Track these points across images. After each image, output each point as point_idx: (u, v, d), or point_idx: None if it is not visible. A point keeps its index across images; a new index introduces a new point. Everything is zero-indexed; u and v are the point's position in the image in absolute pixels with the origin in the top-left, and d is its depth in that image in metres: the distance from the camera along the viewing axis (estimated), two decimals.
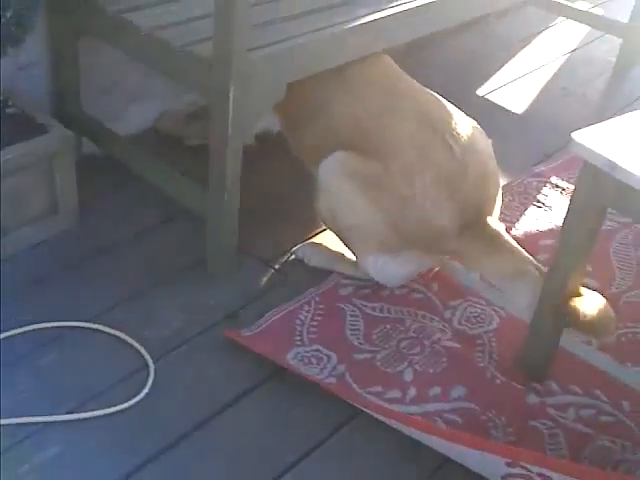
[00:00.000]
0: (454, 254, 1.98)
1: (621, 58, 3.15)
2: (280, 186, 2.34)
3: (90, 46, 2.12)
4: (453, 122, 1.94)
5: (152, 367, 1.76)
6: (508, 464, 1.50)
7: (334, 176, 1.91)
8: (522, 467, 1.49)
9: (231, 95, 1.71)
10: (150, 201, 2.18)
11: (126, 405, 1.67)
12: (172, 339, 1.84)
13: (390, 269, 1.95)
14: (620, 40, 3.15)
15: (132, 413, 1.67)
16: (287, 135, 2.14)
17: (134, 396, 1.69)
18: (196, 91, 1.89)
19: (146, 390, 1.71)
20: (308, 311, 1.94)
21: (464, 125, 1.95)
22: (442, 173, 1.87)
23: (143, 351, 1.79)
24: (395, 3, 2.07)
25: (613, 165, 1.45)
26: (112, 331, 1.82)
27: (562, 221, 1.63)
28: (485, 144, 1.98)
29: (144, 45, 1.88)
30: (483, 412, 1.73)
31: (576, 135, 1.52)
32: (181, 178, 2.03)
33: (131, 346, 1.80)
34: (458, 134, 1.92)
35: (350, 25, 1.95)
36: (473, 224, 1.90)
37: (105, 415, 1.65)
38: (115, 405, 1.67)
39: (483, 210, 1.93)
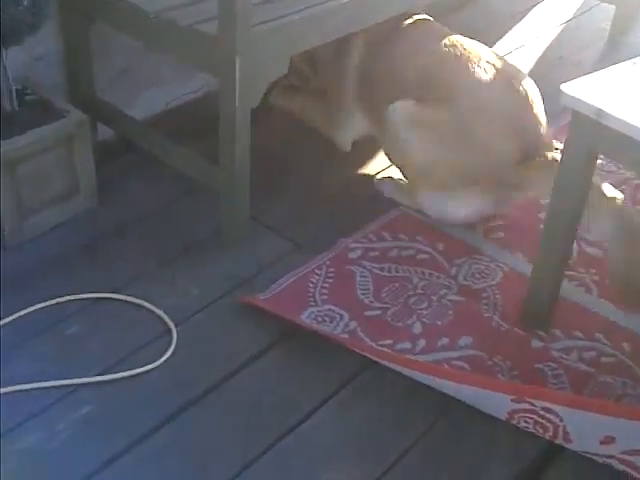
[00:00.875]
0: (517, 188, 2.12)
1: (615, 25, 3.23)
2: (291, 156, 2.45)
3: (103, 32, 2.22)
4: (506, 64, 2.21)
5: (174, 331, 1.86)
6: (513, 400, 1.59)
7: (399, 120, 2.13)
8: (527, 402, 1.58)
9: (237, 69, 1.80)
10: (166, 179, 2.28)
11: (152, 366, 1.77)
12: (192, 306, 1.94)
13: (447, 206, 2.15)
14: (613, 7, 3.22)
15: (158, 373, 1.77)
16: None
17: (159, 358, 1.79)
18: (204, 68, 1.98)
19: (170, 352, 1.81)
20: (320, 274, 2.04)
21: (514, 67, 2.23)
22: (505, 108, 2.09)
23: (165, 317, 1.89)
24: None
25: (600, 112, 1.54)
26: (135, 300, 1.92)
27: (557, 170, 1.72)
28: (532, 82, 2.21)
29: (153, 28, 1.97)
30: (489, 358, 1.82)
31: (565, 87, 1.60)
32: (193, 155, 2.13)
33: (153, 313, 1.90)
34: (515, 73, 2.17)
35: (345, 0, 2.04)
36: (534, 156, 2.07)
37: (133, 376, 1.75)
38: (142, 366, 1.77)
39: (542, 142, 2.11)
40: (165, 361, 1.79)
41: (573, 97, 1.57)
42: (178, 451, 1.63)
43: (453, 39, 2.23)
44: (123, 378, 1.75)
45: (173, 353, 1.81)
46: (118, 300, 1.93)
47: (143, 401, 1.71)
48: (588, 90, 1.59)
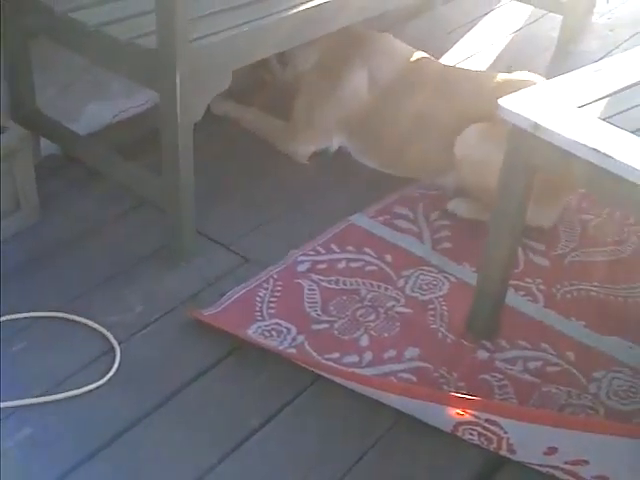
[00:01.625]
0: None
1: (563, 34, 3.27)
2: (238, 169, 2.43)
3: (45, 47, 2.18)
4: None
5: (118, 350, 1.83)
6: (457, 413, 1.60)
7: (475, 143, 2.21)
8: (471, 415, 1.59)
9: (177, 84, 1.79)
10: (111, 194, 2.25)
11: (94, 386, 1.74)
12: (136, 323, 1.91)
13: None
14: (561, 17, 3.26)
15: (102, 392, 1.74)
16: None
17: (102, 377, 1.76)
18: (145, 83, 1.96)
19: (113, 371, 1.78)
20: (267, 288, 2.03)
21: None
22: None
23: (109, 335, 1.86)
24: None
25: (537, 126, 1.55)
26: (78, 318, 1.89)
27: (498, 183, 1.73)
28: None
29: (92, 42, 1.95)
30: (435, 370, 1.82)
31: (502, 101, 1.61)
32: (137, 169, 2.10)
33: (97, 331, 1.87)
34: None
35: (288, 13, 2.04)
36: None
37: (75, 396, 1.72)
38: (84, 386, 1.74)
39: None
40: (108, 380, 1.77)
41: (510, 111, 1.59)
42: (126, 470, 1.60)
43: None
44: (65, 399, 1.72)
45: (117, 371, 1.78)
46: (60, 318, 1.90)
47: (86, 421, 1.69)
48: (525, 104, 1.60)
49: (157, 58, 1.80)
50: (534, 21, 3.53)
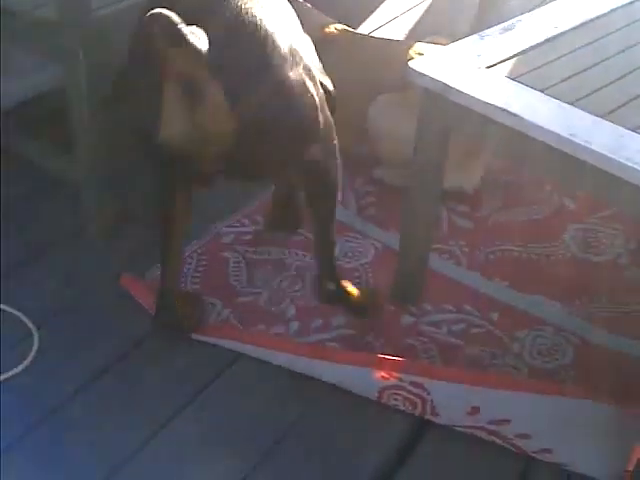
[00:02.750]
0: None
1: None
2: None
3: None
4: None
5: (36, 334, 1.78)
6: (382, 377, 1.60)
7: None
8: (395, 378, 1.59)
9: (81, 55, 1.72)
10: (21, 173, 2.17)
11: (12, 373, 1.70)
12: (53, 306, 1.86)
13: None
14: None
15: (19, 379, 1.70)
16: None
17: (19, 363, 1.72)
18: (48, 56, 1.88)
19: (31, 357, 1.74)
20: (190, 263, 1.99)
21: None
22: None
23: (25, 319, 1.81)
24: None
25: (446, 87, 1.53)
26: None
27: (413, 147, 1.71)
28: None
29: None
30: (362, 337, 1.81)
31: (413, 63, 1.59)
32: (49, 148, 2.04)
33: (13, 316, 1.82)
34: None
35: None
36: None
37: None
38: (2, 374, 1.69)
39: None
40: (27, 366, 1.72)
41: (420, 73, 1.57)
42: (47, 458, 1.57)
43: None
44: None
45: (34, 358, 1.74)
46: None
47: (5, 410, 1.63)
48: (435, 66, 1.58)
49: (59, 30, 1.73)
50: None
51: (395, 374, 1.60)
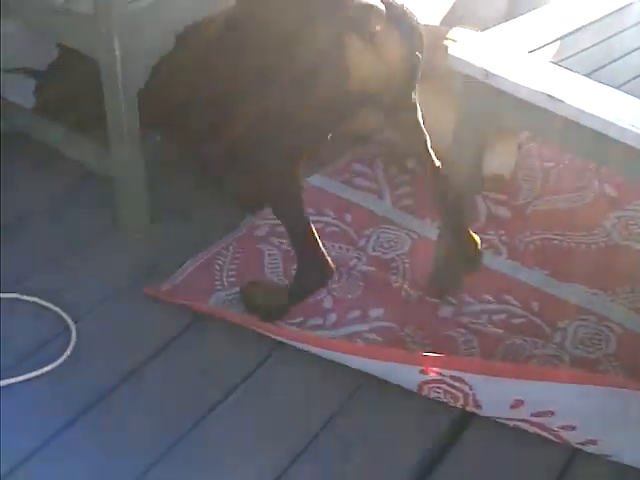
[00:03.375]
0: None
1: None
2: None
3: None
4: None
5: (74, 328, 1.78)
6: (422, 371, 1.58)
7: None
8: (435, 372, 1.56)
9: (116, 49, 1.71)
10: (59, 168, 2.17)
11: (50, 367, 1.69)
12: (91, 300, 1.85)
13: None
14: None
15: (58, 374, 1.69)
16: None
17: (58, 358, 1.72)
18: (84, 50, 1.87)
19: (69, 351, 1.73)
20: (226, 256, 1.98)
21: None
22: None
23: (63, 314, 1.81)
24: None
25: (487, 73, 1.50)
26: (30, 298, 1.83)
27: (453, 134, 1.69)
28: None
29: (26, 8, 1.86)
30: (401, 329, 1.79)
31: (451, 49, 1.56)
32: (84, 141, 2.03)
33: (51, 310, 1.82)
34: None
35: None
36: None
37: (31, 379, 1.67)
38: (40, 368, 1.69)
39: None
40: (65, 360, 1.72)
41: (461, 59, 1.54)
42: (87, 453, 1.56)
43: None
44: (22, 381, 1.67)
45: (72, 352, 1.73)
46: (13, 299, 1.83)
47: (44, 404, 1.64)
48: (475, 52, 1.55)
49: (94, 23, 1.72)
50: None
51: (435, 369, 1.57)
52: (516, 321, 1.83)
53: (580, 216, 2.14)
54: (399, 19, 1.52)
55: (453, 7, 3.17)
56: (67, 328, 1.78)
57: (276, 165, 1.63)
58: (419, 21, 1.56)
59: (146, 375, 1.71)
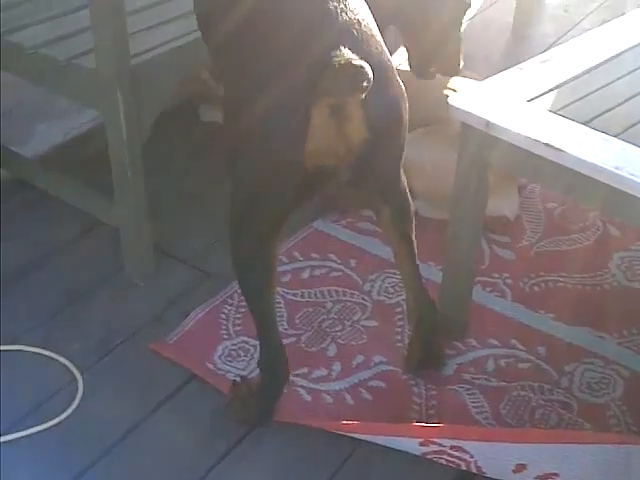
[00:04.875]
0: None
1: (517, 18, 3.24)
2: (192, 185, 2.38)
3: None
4: None
5: (80, 380, 1.78)
6: (421, 444, 1.56)
7: None
8: (434, 443, 1.55)
9: (120, 102, 1.74)
10: (63, 218, 2.19)
11: (57, 420, 1.70)
12: (97, 350, 1.86)
13: None
14: (514, 1, 3.24)
15: (65, 426, 1.69)
16: None
17: (65, 410, 1.72)
18: (87, 103, 1.90)
19: (76, 402, 1.73)
20: (232, 304, 1.98)
21: None
22: None
23: (69, 365, 1.81)
24: None
25: (489, 124, 1.52)
26: (35, 349, 1.84)
27: (454, 182, 1.70)
28: None
29: (31, 64, 1.89)
30: (404, 373, 1.79)
31: (452, 100, 1.58)
32: (89, 191, 2.05)
33: (57, 361, 1.82)
34: None
35: None
36: None
37: (38, 432, 1.67)
38: (47, 421, 1.69)
39: None
40: (71, 413, 1.72)
41: (462, 110, 1.55)
42: None
43: None
44: (27, 436, 1.67)
45: (80, 404, 1.74)
46: (18, 351, 1.84)
47: (51, 458, 1.64)
48: (476, 101, 1.56)
49: (97, 77, 1.75)
50: (488, 7, 3.50)
51: (434, 440, 1.55)
52: (522, 365, 1.82)
53: (584, 257, 2.14)
54: (383, 87, 1.40)
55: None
56: (74, 379, 1.79)
57: (239, 238, 1.53)
58: (403, 90, 1.48)
59: (152, 426, 1.70)
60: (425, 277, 2.03)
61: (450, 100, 1.58)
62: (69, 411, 1.72)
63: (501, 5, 3.46)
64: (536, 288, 2.04)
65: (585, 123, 1.51)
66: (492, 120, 1.52)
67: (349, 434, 1.65)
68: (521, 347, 1.87)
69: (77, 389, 1.76)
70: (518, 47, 3.18)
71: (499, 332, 1.91)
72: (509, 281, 2.06)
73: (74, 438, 1.67)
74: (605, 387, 1.77)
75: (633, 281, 2.05)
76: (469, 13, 3.36)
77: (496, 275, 2.07)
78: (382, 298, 2.01)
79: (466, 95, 1.59)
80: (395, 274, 2.08)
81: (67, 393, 1.76)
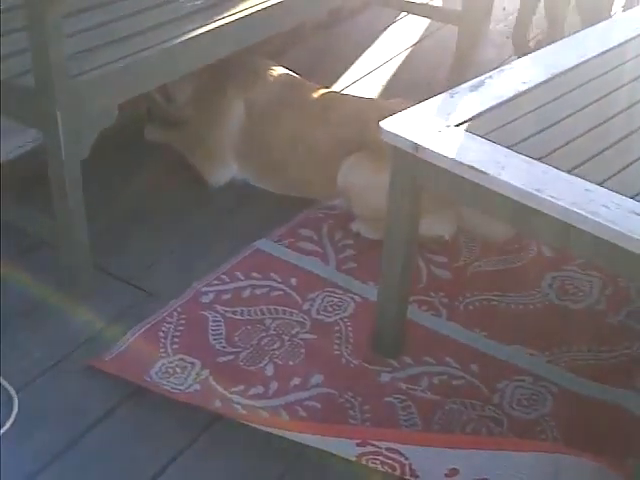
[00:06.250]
0: None
1: (460, 44, 3.32)
2: (132, 203, 2.39)
3: None
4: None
5: (15, 398, 1.77)
6: (358, 444, 1.59)
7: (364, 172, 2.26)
8: (371, 445, 1.58)
9: (59, 122, 1.75)
10: (4, 236, 2.18)
11: None
12: (34, 369, 1.86)
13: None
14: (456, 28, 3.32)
15: (1, 444, 1.68)
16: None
17: (0, 427, 1.71)
18: (27, 122, 1.91)
19: (10, 421, 1.73)
20: (170, 322, 1.99)
21: None
22: None
23: (5, 384, 1.80)
24: (222, 15, 2.16)
25: (417, 146, 1.56)
26: None
27: (387, 205, 1.74)
28: None
29: None
30: (340, 395, 1.81)
31: (384, 123, 1.63)
32: (29, 210, 2.05)
33: None
34: None
35: (178, 40, 2.02)
36: None
37: None
38: None
39: None
40: (6, 431, 1.71)
41: (391, 133, 1.60)
42: None
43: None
44: None
45: (14, 422, 1.73)
46: None
47: None
48: (406, 125, 1.61)
49: (36, 97, 1.76)
50: (430, 33, 3.59)
51: (370, 441, 1.59)
52: (456, 383, 1.87)
53: (518, 277, 2.20)
54: None
55: (399, 71, 3.27)
56: (9, 398, 1.78)
57: None
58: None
59: (84, 447, 1.70)
60: (364, 296, 2.10)
61: (381, 123, 1.63)
62: (3, 429, 1.71)
63: (444, 32, 3.55)
64: (471, 307, 2.09)
65: (510, 147, 1.57)
66: (419, 142, 1.56)
67: (288, 433, 1.66)
68: (455, 365, 1.91)
69: (12, 408, 1.75)
70: (461, 73, 3.25)
71: (434, 350, 1.95)
72: (445, 300, 2.10)
73: (9, 455, 1.66)
74: (535, 403, 1.82)
75: (564, 300, 2.12)
76: (413, 40, 3.49)
77: (432, 294, 2.12)
78: (321, 317, 2.04)
79: (396, 119, 1.64)
80: (334, 293, 2.12)
81: (2, 412, 1.74)
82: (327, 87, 2.63)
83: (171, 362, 1.88)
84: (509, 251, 2.28)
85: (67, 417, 1.75)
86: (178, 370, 1.86)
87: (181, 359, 1.89)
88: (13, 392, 1.79)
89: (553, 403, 1.82)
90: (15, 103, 1.84)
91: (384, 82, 3.18)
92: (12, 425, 1.72)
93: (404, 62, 3.35)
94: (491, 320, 2.04)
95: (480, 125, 1.64)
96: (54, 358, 1.88)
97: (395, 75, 3.24)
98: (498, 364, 1.92)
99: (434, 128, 1.62)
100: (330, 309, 2.07)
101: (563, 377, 1.89)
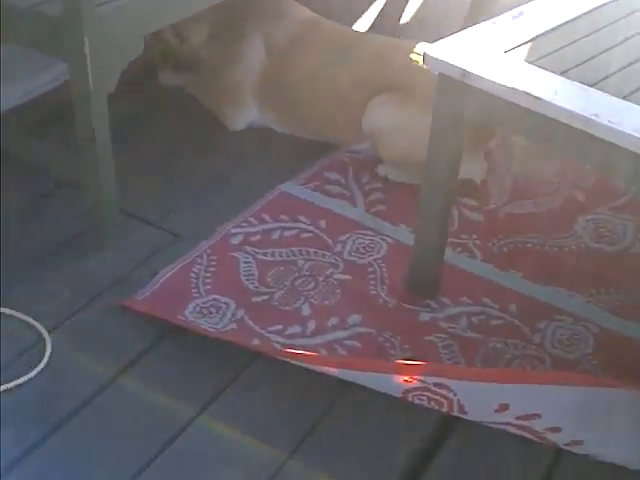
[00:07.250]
0: None
1: None
2: (161, 145, 2.33)
3: None
4: None
5: (48, 339, 1.73)
6: (405, 380, 1.56)
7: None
8: (419, 380, 1.55)
9: (87, 52, 1.68)
10: (28, 177, 2.12)
11: (25, 378, 1.65)
12: (65, 310, 1.81)
13: None
14: None
15: (33, 385, 1.65)
16: None
17: (33, 368, 1.67)
18: (52, 53, 1.84)
19: (44, 362, 1.69)
20: (201, 264, 1.95)
21: None
22: None
23: (37, 325, 1.76)
24: None
25: (465, 73, 1.51)
26: (3, 310, 1.77)
27: (429, 137, 1.69)
28: None
29: None
30: (380, 334, 1.78)
31: (428, 49, 1.57)
32: (52, 149, 1.99)
33: (24, 322, 1.77)
34: None
35: None
36: None
37: (6, 390, 1.62)
38: (16, 379, 1.64)
39: None
40: (40, 371, 1.67)
41: (437, 59, 1.54)
42: (64, 465, 1.52)
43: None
44: None
45: (48, 363, 1.69)
46: None
47: (21, 415, 1.59)
48: (452, 52, 1.56)
49: (62, 25, 1.69)
50: None
51: (417, 377, 1.55)
52: (495, 323, 1.83)
53: (551, 220, 2.16)
54: None
55: (416, 15, 3.19)
56: (41, 339, 1.73)
57: None
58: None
59: (121, 387, 1.66)
60: (396, 238, 2.06)
61: (426, 49, 1.57)
62: (37, 370, 1.67)
63: None
64: (505, 249, 2.05)
65: (562, 73, 1.52)
66: (469, 69, 1.51)
67: (332, 370, 1.63)
68: (493, 305, 1.88)
69: (45, 348, 1.71)
70: (477, 18, 3.18)
71: (471, 291, 1.92)
72: (478, 242, 2.06)
73: (44, 396, 1.63)
74: (577, 342, 1.79)
75: (599, 242, 2.08)
76: None
77: (465, 236, 2.08)
78: (353, 258, 2.00)
79: (442, 46, 1.58)
80: (366, 235, 2.08)
81: (35, 352, 1.71)
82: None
83: (205, 302, 1.84)
84: (540, 194, 2.24)
85: (101, 358, 1.71)
86: (213, 310, 1.82)
87: (215, 299, 1.85)
88: (45, 333, 1.75)
89: (595, 343, 1.79)
90: (41, 33, 1.77)
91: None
92: (46, 366, 1.68)
93: (421, 6, 3.26)
94: (527, 262, 2.01)
95: (529, 52, 1.58)
96: (84, 299, 1.84)
97: (411, 20, 3.16)
98: (537, 304, 1.89)
99: (482, 55, 1.56)
100: (362, 251, 2.03)
101: (603, 317, 1.86)
